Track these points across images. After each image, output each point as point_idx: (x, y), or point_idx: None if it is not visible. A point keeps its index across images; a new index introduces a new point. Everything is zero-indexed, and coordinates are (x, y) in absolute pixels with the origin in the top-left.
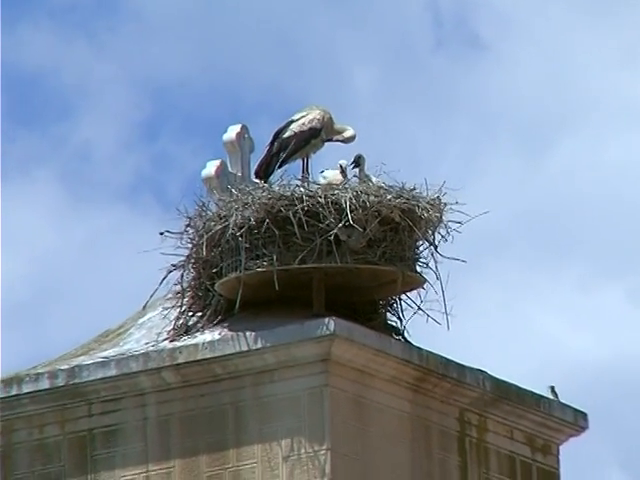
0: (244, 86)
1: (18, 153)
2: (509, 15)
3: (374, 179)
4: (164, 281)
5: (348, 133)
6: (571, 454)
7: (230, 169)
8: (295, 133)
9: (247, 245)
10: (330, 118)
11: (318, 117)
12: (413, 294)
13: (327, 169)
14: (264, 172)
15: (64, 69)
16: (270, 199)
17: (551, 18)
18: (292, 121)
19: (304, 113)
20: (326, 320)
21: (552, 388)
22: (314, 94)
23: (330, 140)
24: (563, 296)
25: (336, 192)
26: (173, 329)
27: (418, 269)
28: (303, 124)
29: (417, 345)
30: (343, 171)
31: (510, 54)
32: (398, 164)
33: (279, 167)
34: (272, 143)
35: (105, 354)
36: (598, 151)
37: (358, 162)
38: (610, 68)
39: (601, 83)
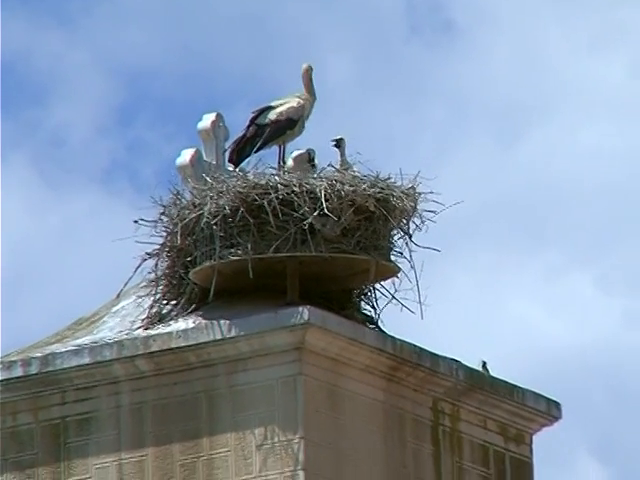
0: (219, 72)
1: None
2: (482, 1)
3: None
4: (138, 269)
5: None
6: (544, 442)
7: (205, 157)
8: (271, 121)
9: (221, 234)
10: (310, 107)
11: (296, 106)
12: (387, 283)
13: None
14: (237, 156)
15: (37, 54)
16: (245, 187)
17: (523, 4)
18: (270, 107)
19: (283, 101)
20: (300, 309)
21: (484, 363)
22: (289, 82)
23: None
24: (535, 283)
25: (311, 181)
26: (147, 317)
27: (392, 258)
28: (281, 113)
29: (391, 334)
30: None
31: (483, 40)
32: (372, 151)
33: (254, 153)
34: (248, 127)
35: (79, 342)
36: (571, 138)
37: (339, 143)
38: (582, 55)
39: (574, 70)
